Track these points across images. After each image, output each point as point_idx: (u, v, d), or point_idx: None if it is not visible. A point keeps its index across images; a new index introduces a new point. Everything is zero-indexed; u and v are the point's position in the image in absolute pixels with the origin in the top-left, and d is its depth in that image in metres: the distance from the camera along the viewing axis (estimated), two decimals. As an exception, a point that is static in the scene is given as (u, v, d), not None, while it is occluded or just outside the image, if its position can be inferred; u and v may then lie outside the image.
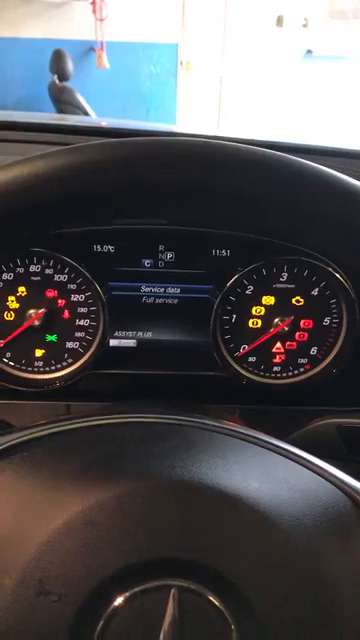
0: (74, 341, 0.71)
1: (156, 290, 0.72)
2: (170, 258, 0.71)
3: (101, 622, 0.35)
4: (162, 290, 0.72)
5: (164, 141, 0.38)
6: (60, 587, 0.35)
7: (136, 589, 0.35)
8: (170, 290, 0.72)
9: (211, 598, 0.36)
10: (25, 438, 0.42)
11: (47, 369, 0.72)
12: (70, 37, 4.45)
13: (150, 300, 0.72)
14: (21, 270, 0.68)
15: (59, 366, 0.72)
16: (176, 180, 0.39)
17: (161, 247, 0.70)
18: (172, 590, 0.36)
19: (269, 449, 0.43)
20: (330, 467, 0.43)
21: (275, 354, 0.73)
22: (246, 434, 0.44)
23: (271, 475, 0.41)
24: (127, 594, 0.35)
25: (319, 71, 5.00)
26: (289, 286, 0.71)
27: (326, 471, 0.43)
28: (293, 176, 0.40)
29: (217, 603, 0.36)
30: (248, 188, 0.40)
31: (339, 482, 0.42)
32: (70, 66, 4.19)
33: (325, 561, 0.38)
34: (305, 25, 5.08)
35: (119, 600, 0.35)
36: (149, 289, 0.72)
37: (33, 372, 0.72)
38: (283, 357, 0.73)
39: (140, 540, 0.36)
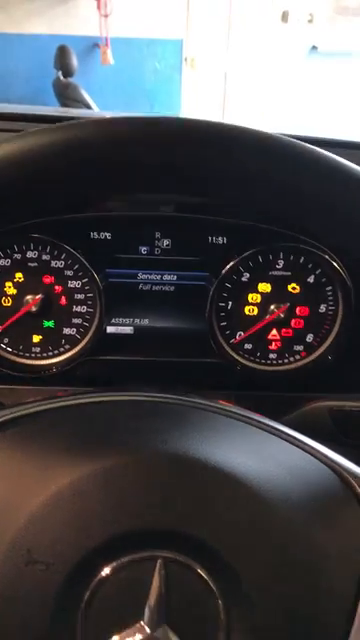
0: (71, 327, 0.72)
1: (153, 277, 0.72)
2: (167, 245, 0.71)
3: (88, 591, 0.35)
4: (159, 277, 0.72)
5: (151, 118, 0.39)
6: (48, 557, 0.35)
7: (123, 560, 0.36)
8: (167, 277, 0.72)
9: (197, 570, 0.36)
10: (16, 414, 0.42)
11: (44, 355, 0.73)
12: (74, 33, 4.45)
13: (147, 287, 0.73)
14: (18, 256, 0.69)
15: (56, 352, 0.73)
16: (164, 159, 0.39)
17: (158, 234, 0.71)
18: (158, 561, 0.36)
19: (259, 427, 0.44)
20: (319, 445, 0.44)
21: (271, 341, 0.73)
22: (237, 413, 0.45)
23: (260, 451, 0.41)
24: (114, 564, 0.36)
25: (324, 67, 4.98)
26: (285, 273, 0.71)
27: (315, 449, 0.43)
28: (285, 154, 0.40)
29: (203, 575, 0.36)
30: (237, 167, 0.40)
31: (328, 460, 0.43)
32: (74, 62, 4.20)
33: (312, 536, 0.39)
34: (310, 21, 5.08)
35: (106, 570, 0.36)
36: (146, 276, 0.72)
37: (30, 358, 0.73)
38: (279, 344, 0.74)
39: (128, 511, 0.36)
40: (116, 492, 0.37)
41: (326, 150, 0.41)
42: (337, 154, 0.41)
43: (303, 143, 0.41)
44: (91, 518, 0.36)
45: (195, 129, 0.39)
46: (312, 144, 0.41)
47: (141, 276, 0.72)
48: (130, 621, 0.36)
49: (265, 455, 0.41)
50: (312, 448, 0.43)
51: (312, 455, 0.43)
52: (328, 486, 0.41)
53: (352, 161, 0.41)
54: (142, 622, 0.36)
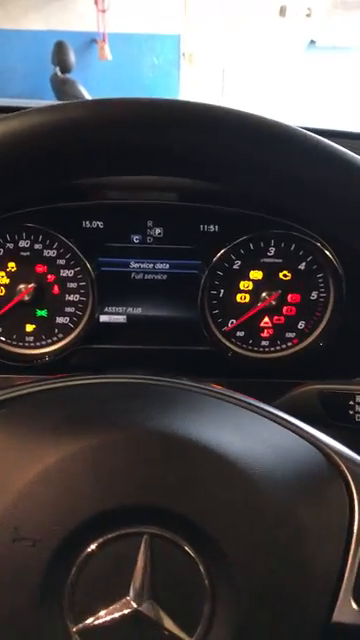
0: (64, 316, 0.72)
1: (145, 266, 0.72)
2: (159, 234, 0.71)
3: (75, 567, 0.36)
4: (151, 266, 0.73)
5: (141, 99, 0.39)
6: (35, 533, 0.36)
7: (109, 535, 0.36)
8: (159, 266, 0.73)
9: (183, 546, 0.37)
10: (4, 397, 0.43)
11: (37, 344, 0.73)
12: (72, 29, 4.44)
13: (139, 276, 0.73)
14: (10, 245, 0.69)
15: (49, 341, 0.73)
16: (155, 140, 0.39)
17: (150, 223, 0.71)
18: (144, 537, 0.37)
19: (246, 408, 0.44)
20: (306, 426, 0.44)
21: (263, 328, 0.74)
22: (224, 394, 0.45)
23: (245, 430, 0.42)
24: (100, 540, 0.36)
25: (323, 62, 4.97)
26: (276, 261, 0.71)
27: (301, 429, 0.44)
28: (279, 138, 0.40)
29: (189, 550, 0.37)
30: (229, 149, 0.40)
31: (314, 439, 0.43)
32: (72, 58, 4.19)
33: (297, 513, 0.39)
34: (308, 15, 5.06)
35: (92, 546, 0.36)
36: (138, 265, 0.72)
37: (24, 347, 0.73)
38: (271, 331, 0.74)
39: (114, 488, 0.37)
40: (103, 470, 0.37)
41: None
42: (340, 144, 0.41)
43: (298, 128, 0.41)
44: (78, 495, 0.37)
45: (186, 110, 0.39)
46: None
47: (133, 265, 0.72)
48: (116, 596, 0.36)
49: (252, 435, 0.42)
50: (298, 428, 0.44)
51: (298, 435, 0.43)
52: (314, 465, 0.42)
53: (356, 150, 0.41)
54: (128, 597, 0.36)
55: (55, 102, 0.41)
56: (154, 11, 4.53)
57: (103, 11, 4.39)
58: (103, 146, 0.38)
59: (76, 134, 0.37)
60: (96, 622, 0.36)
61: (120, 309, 0.74)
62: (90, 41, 4.58)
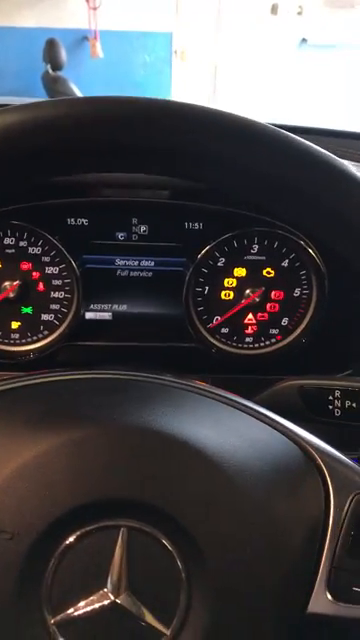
0: (49, 313, 0.73)
1: (130, 263, 0.73)
2: (144, 231, 0.72)
3: (53, 560, 0.37)
4: (136, 263, 0.73)
5: (122, 98, 0.39)
6: (13, 526, 0.36)
7: (87, 528, 0.37)
8: (144, 263, 0.73)
9: (160, 538, 0.38)
10: None
11: (23, 341, 0.73)
12: (63, 26, 4.43)
13: (124, 273, 0.73)
14: None
15: (35, 338, 0.73)
16: (134, 138, 0.40)
17: (134, 220, 0.71)
18: (121, 530, 0.37)
19: (223, 402, 0.45)
20: (282, 419, 0.45)
21: (247, 325, 0.75)
22: (202, 388, 0.46)
23: (222, 424, 0.42)
24: (78, 533, 0.37)
25: (314, 59, 4.98)
26: (260, 258, 0.72)
27: (277, 422, 0.44)
28: (255, 137, 0.40)
29: (165, 543, 0.38)
30: (204, 147, 0.40)
31: (289, 432, 0.44)
32: (63, 55, 4.18)
33: (272, 505, 0.40)
34: (300, 13, 5.07)
35: (70, 539, 0.37)
36: (123, 262, 0.73)
37: (9, 344, 0.73)
38: (255, 328, 0.75)
39: (91, 482, 0.37)
40: (80, 463, 0.38)
41: (306, 138, 0.41)
42: (329, 145, 0.42)
43: (275, 128, 0.41)
44: (56, 488, 0.37)
45: (164, 109, 0.39)
46: (303, 133, 0.41)
47: (118, 262, 0.73)
48: (94, 588, 0.37)
49: (229, 429, 0.42)
50: (275, 422, 0.44)
51: (275, 429, 0.44)
52: (290, 458, 0.42)
53: (342, 150, 0.42)
54: (105, 589, 0.37)
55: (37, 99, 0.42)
56: (146, 8, 4.52)
57: (94, 8, 4.38)
58: (80, 145, 0.38)
59: (52, 132, 0.37)
60: (74, 614, 0.36)
61: (105, 306, 0.75)
62: (82, 38, 4.57)
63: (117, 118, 0.37)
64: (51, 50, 4.15)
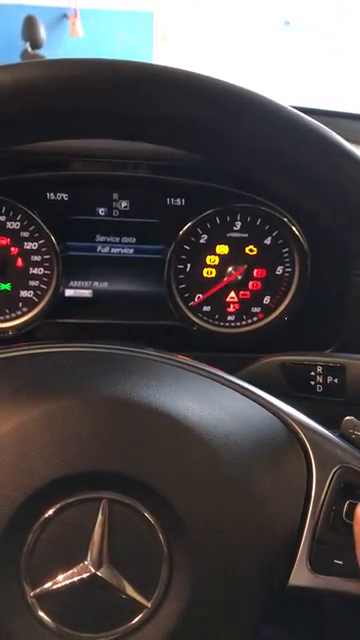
0: (28, 290, 0.71)
1: (111, 239, 0.72)
2: (125, 207, 0.71)
3: (32, 532, 0.36)
4: (117, 239, 0.72)
5: (102, 61, 0.38)
6: None
7: (67, 501, 0.36)
8: (125, 240, 0.72)
9: (140, 510, 0.37)
10: None
11: (1, 318, 0.72)
12: (42, 3, 4.35)
13: (105, 250, 0.72)
14: None
15: (13, 315, 0.72)
16: (110, 103, 0.38)
17: (115, 195, 0.70)
18: (102, 502, 0.37)
19: (205, 376, 0.45)
20: (264, 394, 0.45)
21: (229, 303, 0.74)
22: (183, 362, 0.45)
23: (204, 397, 0.42)
24: (58, 505, 0.36)
25: (296, 41, 4.96)
26: (242, 235, 0.71)
27: (260, 397, 0.44)
28: (236, 101, 0.39)
29: (146, 515, 0.37)
30: (185, 113, 0.39)
31: (272, 407, 0.44)
32: (42, 34, 4.10)
33: (254, 478, 0.40)
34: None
35: (50, 511, 0.36)
36: (104, 238, 0.72)
37: (-13, 321, 0.72)
38: (237, 306, 0.74)
39: (72, 454, 0.37)
40: (60, 435, 0.37)
41: None
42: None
43: (265, 95, 0.40)
44: (35, 461, 0.36)
45: (141, 71, 0.38)
46: None
47: (99, 238, 0.72)
48: (74, 561, 0.36)
49: (211, 402, 0.42)
50: (257, 396, 0.44)
51: (257, 402, 0.44)
52: (272, 431, 0.42)
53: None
54: (86, 562, 0.36)
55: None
56: (127, -13, 4.46)
57: (74, -15, 4.31)
58: (63, 108, 0.37)
59: (21, 96, 0.36)
60: (54, 586, 0.36)
61: (86, 283, 0.74)
62: (61, 16, 4.49)
63: (96, 81, 0.36)
64: (30, 28, 4.07)
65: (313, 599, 0.63)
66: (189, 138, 0.40)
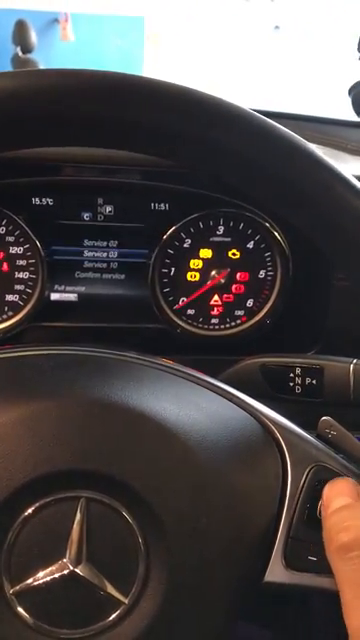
0: (13, 294, 0.72)
1: (96, 244, 0.73)
2: (109, 212, 0.72)
3: (11, 530, 0.37)
4: (102, 244, 0.73)
5: (83, 71, 0.39)
6: None
7: (46, 499, 0.37)
8: (110, 244, 0.73)
9: (118, 509, 0.38)
10: None
11: (-14, 322, 0.73)
12: (33, 8, 4.36)
13: (90, 254, 0.73)
14: None
15: (-1, 319, 0.73)
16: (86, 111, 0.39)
17: (100, 200, 0.71)
18: (80, 500, 0.38)
19: (184, 378, 0.45)
20: (241, 394, 0.46)
21: (213, 306, 0.75)
22: (163, 364, 0.46)
23: (182, 398, 0.43)
24: (37, 504, 0.37)
25: (286, 46, 4.99)
26: (225, 239, 0.73)
27: (237, 397, 0.45)
28: (210, 111, 0.40)
29: (124, 513, 0.38)
30: (163, 122, 0.40)
31: (248, 407, 0.45)
32: (33, 38, 4.11)
33: (230, 477, 0.41)
34: (273, 0, 5.08)
35: (29, 510, 0.37)
36: (89, 243, 0.73)
37: (-27, 325, 0.73)
38: (221, 309, 0.75)
39: (50, 453, 0.38)
40: (39, 435, 0.38)
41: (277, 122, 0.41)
42: (286, 126, 0.42)
43: (235, 103, 0.41)
44: (15, 460, 0.37)
45: (123, 81, 0.39)
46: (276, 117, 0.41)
47: (84, 243, 0.73)
48: (53, 558, 0.37)
49: (187, 402, 0.43)
50: (234, 397, 0.45)
51: (234, 403, 0.45)
52: (248, 431, 0.43)
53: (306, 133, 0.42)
54: (65, 559, 0.37)
55: None
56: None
57: (65, -10, 4.32)
58: (39, 116, 0.38)
59: (10, 103, 0.37)
60: (33, 584, 0.37)
61: (71, 287, 0.74)
62: (52, 21, 4.50)
63: (80, 90, 0.37)
64: (21, 32, 4.08)
65: (295, 597, 0.64)
66: (161, 146, 0.41)
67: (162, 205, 0.72)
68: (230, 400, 0.45)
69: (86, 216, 0.71)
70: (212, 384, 0.46)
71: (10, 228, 0.69)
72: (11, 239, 0.70)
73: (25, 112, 0.37)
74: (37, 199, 0.70)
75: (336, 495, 0.40)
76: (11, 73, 0.37)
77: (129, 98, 0.38)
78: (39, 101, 0.37)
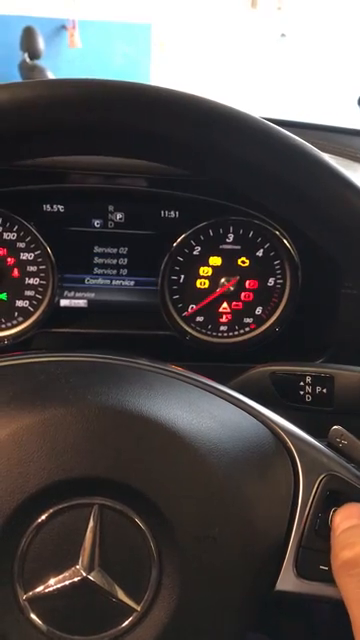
0: (24, 300, 0.73)
1: (106, 251, 0.73)
2: (120, 219, 0.72)
3: (25, 536, 0.37)
4: (112, 250, 0.73)
5: (94, 81, 0.39)
6: None
7: (60, 505, 0.37)
8: (120, 251, 0.73)
9: (131, 516, 0.38)
10: None
11: (-3, 327, 0.73)
12: (41, 14, 4.39)
13: (100, 261, 0.74)
14: None
15: (9, 324, 0.73)
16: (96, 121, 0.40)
17: (111, 207, 0.72)
18: (94, 507, 0.38)
19: (196, 385, 0.46)
20: (254, 403, 0.46)
21: (222, 314, 0.75)
22: (175, 372, 0.46)
23: (195, 406, 0.43)
24: (51, 510, 0.37)
25: (292, 55, 5.01)
26: (235, 247, 0.73)
27: (249, 406, 0.45)
28: (231, 124, 0.40)
29: (137, 521, 0.38)
30: (180, 132, 0.40)
31: (261, 415, 0.45)
32: (41, 44, 4.14)
33: (242, 485, 0.41)
34: (279, 8, 5.10)
35: (43, 517, 0.37)
36: (99, 250, 0.73)
37: (-17, 330, 0.73)
38: (229, 317, 0.76)
39: (64, 460, 0.38)
40: (54, 442, 0.38)
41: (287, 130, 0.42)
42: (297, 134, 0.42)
43: (248, 113, 0.41)
44: (30, 466, 0.37)
45: (134, 91, 0.39)
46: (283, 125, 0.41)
47: (94, 249, 0.73)
48: (66, 565, 0.37)
49: (200, 410, 0.43)
50: (246, 405, 0.45)
51: (246, 412, 0.45)
52: (261, 440, 0.43)
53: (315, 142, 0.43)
54: (77, 566, 0.37)
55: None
56: (126, -1, 4.50)
57: (73, -3, 4.35)
58: (53, 126, 0.38)
59: (24, 114, 0.37)
60: (46, 590, 0.37)
61: (81, 293, 0.75)
62: (60, 27, 4.53)
63: (98, 100, 0.38)
64: (29, 38, 4.11)
65: (302, 606, 0.64)
66: (169, 153, 0.41)
67: (172, 213, 0.72)
68: (242, 408, 0.45)
69: (97, 223, 0.72)
70: (224, 392, 0.46)
71: (21, 234, 0.70)
72: (22, 245, 0.70)
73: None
74: (48, 206, 0.70)
75: (344, 518, 0.40)
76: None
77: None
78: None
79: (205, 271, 0.74)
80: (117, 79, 0.39)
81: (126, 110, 0.38)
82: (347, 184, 0.42)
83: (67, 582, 0.37)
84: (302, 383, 0.56)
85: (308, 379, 0.56)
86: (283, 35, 5.10)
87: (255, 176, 0.42)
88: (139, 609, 0.38)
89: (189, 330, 0.75)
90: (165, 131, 0.39)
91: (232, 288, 0.74)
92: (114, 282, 0.75)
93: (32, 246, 0.70)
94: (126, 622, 0.38)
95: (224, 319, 0.76)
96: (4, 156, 0.41)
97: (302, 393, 0.56)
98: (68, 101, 0.38)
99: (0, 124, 0.37)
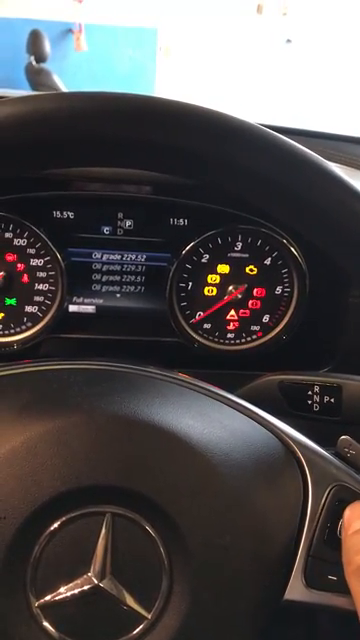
0: (33, 305, 0.73)
1: (115, 257, 0.74)
2: (129, 226, 0.73)
3: (37, 544, 0.37)
4: (120, 257, 0.74)
5: (108, 94, 0.40)
6: (0, 510, 0.37)
7: (72, 514, 0.38)
8: (128, 257, 0.74)
9: (143, 524, 0.39)
10: None
11: (6, 332, 0.74)
12: (48, 18, 4.40)
13: (109, 267, 0.74)
14: None
15: (18, 330, 0.74)
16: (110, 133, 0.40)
17: (120, 215, 0.72)
18: (106, 516, 0.38)
19: (207, 395, 0.46)
20: (264, 413, 0.46)
21: (229, 321, 0.76)
22: (186, 381, 0.47)
23: (206, 415, 0.44)
24: (63, 519, 0.38)
25: (299, 60, 5.02)
26: (243, 255, 0.73)
27: (259, 415, 0.46)
28: (241, 136, 0.41)
29: (148, 529, 0.39)
30: (188, 144, 0.41)
31: (271, 425, 0.45)
32: (47, 47, 4.15)
33: (252, 495, 0.41)
34: (285, 14, 5.11)
35: (55, 524, 0.38)
36: (108, 256, 0.74)
37: (-7, 335, 0.74)
38: (237, 324, 0.76)
39: (77, 468, 0.38)
40: (66, 450, 0.39)
41: (293, 139, 0.42)
42: (304, 143, 0.43)
43: (257, 125, 0.42)
44: (43, 474, 0.38)
45: (150, 105, 0.40)
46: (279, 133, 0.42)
47: (104, 256, 0.74)
48: (78, 573, 0.38)
49: (211, 419, 0.43)
50: (257, 415, 0.46)
51: (256, 421, 0.45)
52: (270, 450, 0.44)
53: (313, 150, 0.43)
54: (89, 573, 0.38)
55: (29, 92, 0.42)
56: (132, 3, 4.51)
57: (80, 0, 4.36)
58: (73, 139, 0.39)
59: (47, 126, 0.38)
60: (57, 597, 0.37)
61: (89, 299, 0.75)
62: (66, 31, 4.54)
63: (113, 113, 0.38)
64: (35, 42, 4.12)
65: (308, 617, 0.64)
66: (181, 165, 0.42)
67: (181, 221, 0.72)
68: (252, 418, 0.45)
69: (106, 230, 0.72)
70: (234, 402, 0.46)
71: (31, 240, 0.70)
72: (32, 251, 0.71)
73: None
74: (58, 212, 0.71)
75: (357, 517, 0.41)
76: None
77: (174, 124, 0.39)
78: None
79: (213, 279, 0.74)
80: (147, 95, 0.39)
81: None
82: (354, 194, 0.42)
83: (79, 590, 0.37)
84: (310, 392, 0.56)
85: (316, 388, 0.56)
86: (289, 41, 5.11)
87: (263, 186, 0.43)
88: (150, 617, 0.38)
89: (196, 337, 0.76)
90: (182, 145, 0.40)
91: (240, 296, 0.74)
92: (122, 289, 0.75)
93: (42, 252, 0.71)
94: (137, 630, 0.38)
95: (231, 327, 0.76)
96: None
97: (310, 402, 0.56)
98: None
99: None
